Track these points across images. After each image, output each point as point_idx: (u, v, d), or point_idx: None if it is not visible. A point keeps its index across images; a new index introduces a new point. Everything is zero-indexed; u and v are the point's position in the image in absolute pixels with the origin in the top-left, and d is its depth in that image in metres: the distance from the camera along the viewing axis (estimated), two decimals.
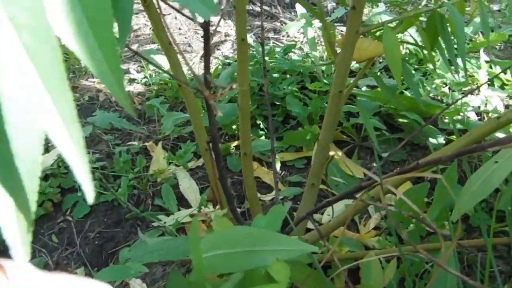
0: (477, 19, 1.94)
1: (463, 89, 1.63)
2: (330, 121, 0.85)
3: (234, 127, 1.46)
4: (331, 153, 1.42)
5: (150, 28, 2.06)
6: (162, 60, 1.63)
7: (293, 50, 1.78)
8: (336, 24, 2.05)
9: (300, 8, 1.78)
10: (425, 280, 0.97)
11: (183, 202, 1.25)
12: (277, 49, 1.74)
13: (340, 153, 1.32)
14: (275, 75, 1.58)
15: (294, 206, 1.19)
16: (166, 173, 1.32)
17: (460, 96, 1.51)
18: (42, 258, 1.15)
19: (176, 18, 2.12)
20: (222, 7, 2.13)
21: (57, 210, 1.27)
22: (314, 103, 1.47)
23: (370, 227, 1.20)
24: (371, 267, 0.88)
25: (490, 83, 1.66)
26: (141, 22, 2.15)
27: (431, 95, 1.60)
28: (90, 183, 0.20)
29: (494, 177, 0.68)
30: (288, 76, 1.60)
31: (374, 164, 1.39)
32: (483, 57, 1.74)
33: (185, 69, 1.80)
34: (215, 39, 1.99)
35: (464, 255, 1.09)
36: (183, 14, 0.60)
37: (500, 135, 1.33)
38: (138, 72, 1.82)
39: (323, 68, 1.64)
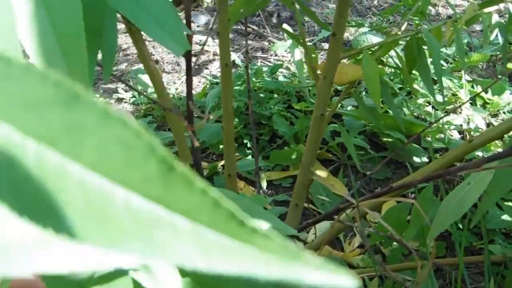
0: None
1: (447, 107, 1.66)
2: (313, 143, 0.87)
3: (221, 146, 1.48)
4: (319, 172, 1.45)
5: None
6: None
7: (280, 69, 1.81)
8: (323, 44, 2.09)
9: (287, 28, 1.82)
10: None
11: None
12: (265, 69, 1.77)
13: (324, 174, 1.34)
14: (262, 94, 1.61)
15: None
16: None
17: (442, 115, 1.54)
18: None
19: None
20: (210, 26, 2.17)
21: None
22: (300, 123, 1.49)
23: (355, 245, 1.22)
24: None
25: (473, 102, 1.70)
26: (130, 41, 2.18)
27: (415, 114, 1.63)
28: None
29: (468, 198, 0.71)
30: (275, 95, 1.63)
31: (359, 182, 1.41)
32: (465, 76, 1.78)
33: (173, 88, 1.83)
34: (203, 58, 2.02)
35: (446, 272, 1.11)
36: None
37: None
38: (126, 91, 1.84)
39: (310, 87, 1.67)
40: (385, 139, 1.51)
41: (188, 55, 0.59)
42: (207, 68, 1.98)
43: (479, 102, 1.72)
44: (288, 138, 1.49)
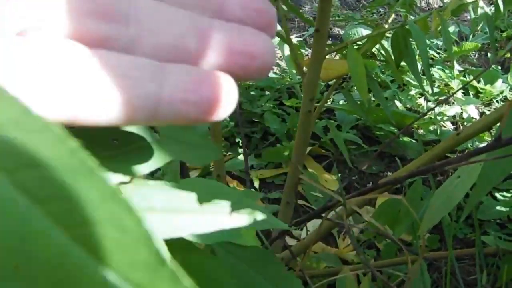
0: (451, 28, 1.97)
1: (439, 99, 1.65)
2: (301, 141, 0.86)
3: None
4: (312, 169, 1.44)
5: None
6: None
7: None
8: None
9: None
10: None
11: None
12: None
13: (317, 170, 1.34)
14: (253, 92, 1.60)
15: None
16: None
17: (434, 106, 1.53)
18: None
19: None
20: None
21: None
22: (291, 119, 1.48)
23: (349, 241, 1.21)
24: (346, 283, 0.89)
25: (465, 92, 1.69)
26: None
27: (407, 106, 1.62)
28: None
29: (458, 191, 0.70)
30: (266, 93, 1.62)
31: (353, 178, 1.40)
32: (457, 66, 1.77)
33: None
34: None
35: (441, 265, 1.11)
36: None
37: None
38: None
39: (301, 84, 1.66)
40: (377, 132, 1.50)
41: None
42: None
43: (472, 92, 1.71)
44: (280, 135, 1.48)
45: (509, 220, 1.24)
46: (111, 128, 0.20)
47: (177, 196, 0.24)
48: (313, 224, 1.18)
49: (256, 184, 1.35)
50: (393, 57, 0.89)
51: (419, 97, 1.67)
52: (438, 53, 1.92)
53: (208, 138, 0.37)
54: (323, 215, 0.68)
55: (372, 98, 1.53)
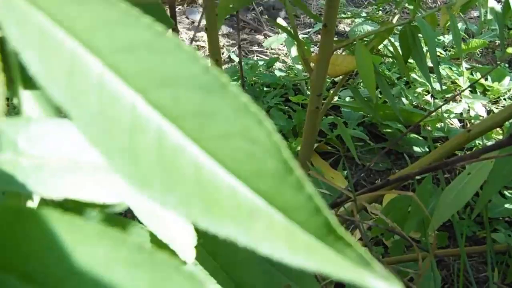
0: (458, 26, 1.96)
1: (446, 96, 1.64)
2: (309, 138, 0.86)
3: None
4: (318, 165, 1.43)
5: None
6: None
7: (277, 62, 1.79)
8: (319, 36, 2.07)
9: (281, 22, 1.80)
10: None
11: None
12: (261, 63, 1.76)
13: (323, 167, 1.33)
14: (258, 89, 1.60)
15: None
16: None
17: (442, 104, 1.52)
18: None
19: None
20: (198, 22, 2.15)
21: None
22: (298, 116, 1.48)
23: (357, 237, 1.20)
24: None
25: (473, 90, 1.68)
26: None
27: (414, 103, 1.61)
28: None
29: (468, 188, 0.69)
30: (272, 89, 1.61)
31: (362, 175, 1.40)
32: (464, 64, 1.76)
33: None
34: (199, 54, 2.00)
35: (450, 262, 1.10)
36: None
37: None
38: None
39: (306, 80, 1.66)
40: (384, 130, 1.49)
41: None
42: None
43: (479, 90, 1.70)
44: (286, 132, 1.47)
45: None
46: None
47: None
48: None
49: None
50: (401, 53, 0.88)
51: (426, 95, 1.66)
52: (445, 50, 1.91)
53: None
54: (332, 211, 0.68)
55: (379, 95, 1.53)
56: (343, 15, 2.05)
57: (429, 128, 1.50)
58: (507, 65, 1.86)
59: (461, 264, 0.66)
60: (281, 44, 1.95)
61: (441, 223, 0.67)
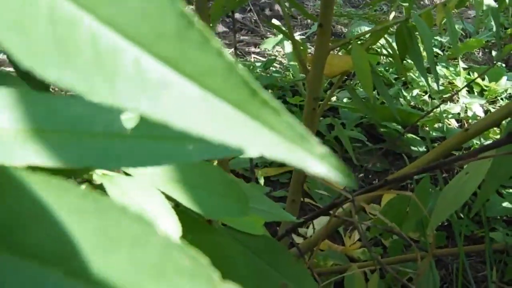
0: (456, 26, 1.96)
1: (444, 96, 1.64)
2: None
3: None
4: None
5: None
6: None
7: (274, 63, 1.79)
8: None
9: (277, 23, 1.80)
10: None
11: None
12: (258, 64, 1.76)
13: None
14: None
15: (277, 222, 1.19)
16: None
17: (439, 104, 1.52)
18: None
19: None
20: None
21: None
22: (296, 117, 1.48)
23: (355, 238, 1.20)
24: (354, 280, 0.89)
25: (470, 90, 1.68)
26: None
27: (411, 103, 1.62)
28: None
29: (466, 188, 0.69)
30: (269, 91, 1.61)
31: (358, 176, 1.40)
32: (461, 64, 1.76)
33: None
34: None
35: (448, 262, 1.10)
36: None
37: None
38: None
39: (304, 81, 1.66)
40: (382, 130, 1.49)
41: None
42: None
43: (476, 90, 1.70)
44: None
45: None
46: None
47: None
48: (320, 222, 1.17)
49: (261, 182, 1.35)
50: (397, 52, 0.88)
51: (423, 95, 1.66)
52: (442, 50, 1.92)
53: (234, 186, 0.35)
54: (330, 212, 0.68)
55: (377, 96, 1.53)
56: (340, 15, 2.05)
57: (427, 128, 1.50)
58: (504, 64, 1.86)
59: (460, 264, 0.66)
60: (278, 45, 1.95)
61: (439, 223, 0.67)
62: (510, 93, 1.70)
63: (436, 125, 1.50)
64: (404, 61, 0.94)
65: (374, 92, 1.52)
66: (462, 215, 1.20)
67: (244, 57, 1.93)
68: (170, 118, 0.13)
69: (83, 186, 0.28)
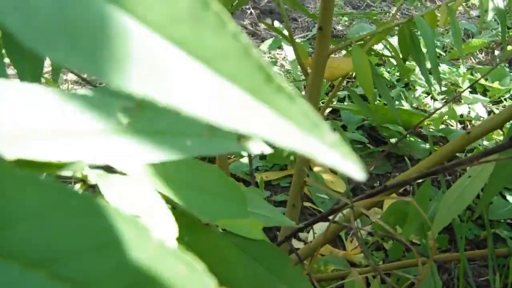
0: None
1: (447, 98, 1.63)
2: None
3: None
4: (318, 170, 1.41)
5: None
6: None
7: (274, 66, 1.78)
8: None
9: (277, 25, 1.79)
10: None
11: None
12: None
13: (324, 172, 1.32)
14: None
15: (277, 227, 1.18)
16: None
17: (442, 105, 1.51)
18: None
19: None
20: None
21: None
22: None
23: (357, 243, 1.19)
24: (355, 287, 0.87)
25: (473, 91, 1.67)
26: None
27: (414, 105, 1.60)
28: None
29: (469, 191, 0.68)
30: None
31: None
32: (464, 64, 1.75)
33: None
34: None
35: (451, 267, 1.08)
36: None
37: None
38: None
39: (305, 84, 1.64)
40: (384, 133, 1.48)
41: None
42: None
43: (479, 90, 1.69)
44: None
45: None
46: None
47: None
48: (320, 227, 1.16)
49: (262, 186, 1.33)
50: (400, 54, 0.87)
51: (426, 97, 1.64)
52: (445, 51, 1.90)
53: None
54: (330, 218, 0.66)
55: (378, 98, 1.51)
56: (340, 18, 2.04)
57: (432, 129, 1.48)
58: (507, 65, 1.85)
59: (461, 268, 0.64)
60: (279, 48, 1.94)
61: (441, 228, 0.66)
62: None
63: (438, 127, 1.48)
64: (407, 62, 0.93)
65: (376, 94, 1.51)
66: (465, 219, 1.19)
67: None
68: (181, 103, 0.12)
69: (78, 185, 0.28)
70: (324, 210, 1.24)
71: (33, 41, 0.12)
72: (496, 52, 1.99)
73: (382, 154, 0.92)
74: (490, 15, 0.87)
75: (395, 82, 1.67)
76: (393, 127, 1.43)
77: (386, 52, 1.44)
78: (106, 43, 0.12)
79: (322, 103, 1.26)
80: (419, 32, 0.84)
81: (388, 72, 1.71)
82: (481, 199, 0.70)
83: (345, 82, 1.55)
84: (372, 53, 1.02)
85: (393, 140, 1.46)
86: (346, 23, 2.11)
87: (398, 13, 0.98)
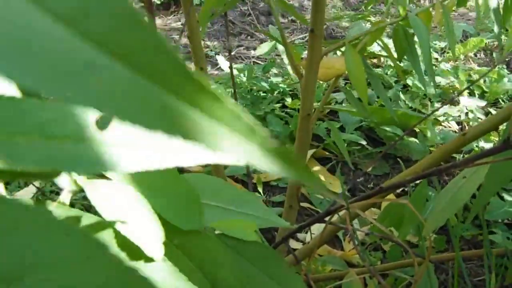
0: (456, 28, 1.95)
1: (444, 99, 1.63)
2: (302, 145, 0.85)
3: None
4: (316, 170, 1.42)
5: None
6: None
7: (273, 68, 1.78)
8: None
9: (271, 28, 1.79)
10: None
11: None
12: (257, 68, 1.75)
13: (321, 172, 1.32)
14: (255, 94, 1.59)
15: (275, 228, 1.18)
16: None
17: (439, 107, 1.51)
18: None
19: None
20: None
21: None
22: (294, 121, 1.47)
23: (352, 246, 1.19)
24: (352, 287, 0.88)
25: (471, 92, 1.67)
26: None
27: (411, 106, 1.60)
28: None
29: (462, 193, 0.68)
30: (268, 95, 1.61)
31: (358, 180, 1.39)
32: (461, 66, 1.75)
33: None
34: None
35: (448, 267, 1.09)
36: None
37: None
38: None
39: None
40: (382, 134, 1.48)
41: None
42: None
43: (477, 92, 1.69)
44: (283, 138, 1.46)
45: None
46: None
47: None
48: (318, 228, 1.16)
49: (260, 187, 1.34)
50: (395, 54, 0.87)
51: (424, 98, 1.65)
52: (442, 53, 1.91)
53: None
54: (326, 219, 0.67)
55: (376, 100, 1.52)
56: (339, 18, 2.04)
57: (429, 130, 1.49)
58: (505, 66, 1.85)
59: (455, 268, 0.65)
60: (275, 50, 1.94)
61: (435, 228, 0.66)
62: (511, 95, 1.68)
63: (436, 128, 1.49)
64: (406, 64, 0.93)
65: (374, 95, 1.51)
66: (462, 219, 1.19)
67: (244, 61, 1.92)
68: (99, 103, 0.12)
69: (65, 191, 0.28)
70: (322, 211, 1.24)
71: None
72: (494, 54, 2.00)
73: (380, 156, 0.92)
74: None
75: (393, 84, 1.67)
76: (391, 129, 1.43)
77: (384, 54, 1.45)
78: (15, 43, 0.12)
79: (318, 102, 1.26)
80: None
81: (386, 73, 1.71)
82: (477, 199, 0.70)
83: (343, 83, 1.55)
84: (366, 53, 1.02)
85: (391, 141, 1.47)
86: (346, 24, 2.11)
87: (388, 11, 0.98)
